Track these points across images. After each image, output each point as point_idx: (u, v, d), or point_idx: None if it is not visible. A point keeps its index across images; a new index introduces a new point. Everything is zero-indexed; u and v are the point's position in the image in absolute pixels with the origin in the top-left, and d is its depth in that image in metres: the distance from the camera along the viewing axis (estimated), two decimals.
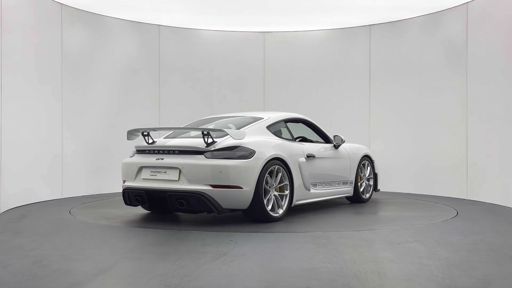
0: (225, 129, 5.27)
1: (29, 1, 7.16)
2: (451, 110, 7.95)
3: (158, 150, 5.44)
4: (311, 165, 6.01)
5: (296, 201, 5.75)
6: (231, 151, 5.14)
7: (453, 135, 7.91)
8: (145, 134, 5.52)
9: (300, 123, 6.68)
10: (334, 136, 6.68)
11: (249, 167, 5.11)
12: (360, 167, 7.09)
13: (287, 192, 5.55)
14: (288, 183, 5.55)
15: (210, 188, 5.03)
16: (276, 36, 9.67)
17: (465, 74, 7.63)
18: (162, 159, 5.33)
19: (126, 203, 5.65)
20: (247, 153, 5.16)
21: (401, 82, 8.79)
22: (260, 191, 5.16)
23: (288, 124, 6.69)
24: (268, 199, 5.33)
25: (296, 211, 6.23)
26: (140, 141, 5.75)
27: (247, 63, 9.67)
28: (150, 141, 5.57)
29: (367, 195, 7.25)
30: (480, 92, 7.37)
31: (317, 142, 6.64)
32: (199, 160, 5.12)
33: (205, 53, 9.53)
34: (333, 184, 6.52)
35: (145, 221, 5.50)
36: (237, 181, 5.06)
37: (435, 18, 8.26)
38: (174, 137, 5.80)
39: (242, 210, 5.28)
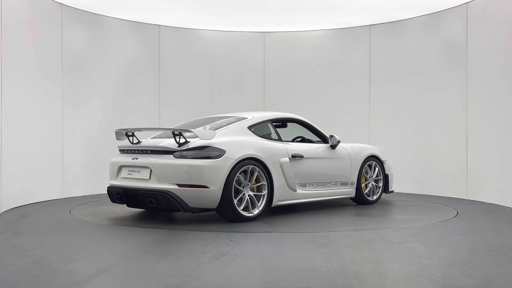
0: (192, 130, 5.31)
1: (29, 1, 7.16)
2: (451, 110, 7.95)
3: (135, 150, 5.59)
4: (298, 165, 5.95)
5: (278, 202, 5.71)
6: (200, 151, 5.20)
7: (453, 135, 7.91)
8: (129, 134, 5.68)
9: (295, 123, 6.60)
10: (330, 136, 6.55)
11: (216, 167, 5.14)
12: (366, 167, 6.92)
13: (264, 192, 5.53)
14: (265, 183, 5.53)
15: (176, 187, 5.11)
16: (276, 36, 9.67)
17: (465, 74, 7.63)
18: (137, 158, 5.49)
19: (112, 201, 5.81)
20: (216, 153, 5.20)
21: (401, 82, 8.80)
22: (229, 191, 5.18)
23: (289, 124, 6.67)
24: (241, 198, 5.34)
25: (295, 212, 6.23)
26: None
27: (247, 63, 9.67)
28: (136, 141, 5.69)
29: (374, 197, 7.02)
30: (480, 92, 7.37)
31: (317, 142, 6.58)
32: (168, 159, 5.23)
33: (205, 53, 9.54)
34: (328, 185, 6.41)
35: (145, 221, 5.50)
36: (203, 180, 5.10)
37: (435, 18, 8.27)
38: (159, 138, 5.85)
39: (215, 210, 5.31)
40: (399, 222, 5.64)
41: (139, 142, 5.69)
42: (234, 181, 5.23)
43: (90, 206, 6.75)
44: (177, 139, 5.24)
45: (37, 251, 4.02)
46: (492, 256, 3.86)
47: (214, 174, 5.12)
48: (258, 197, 5.53)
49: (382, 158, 7.22)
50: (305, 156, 6.09)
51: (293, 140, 6.66)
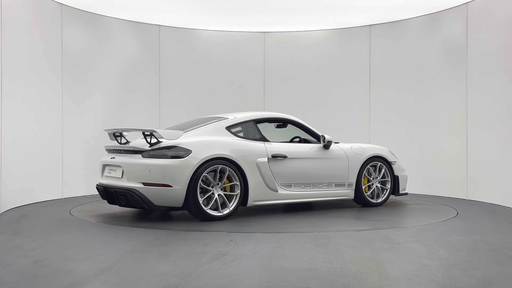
0: (158, 130, 5.38)
1: (29, 1, 7.16)
2: (451, 109, 7.95)
3: (114, 150, 5.81)
4: (280, 165, 5.90)
5: (255, 202, 5.71)
6: (167, 151, 5.33)
7: (453, 135, 7.91)
8: (117, 135, 5.83)
9: (289, 123, 6.52)
10: (322, 136, 6.40)
11: (180, 166, 5.23)
12: (369, 168, 6.72)
13: (237, 191, 5.54)
14: (238, 183, 5.54)
15: (141, 185, 5.26)
16: (276, 36, 9.67)
17: (465, 74, 7.63)
18: (114, 158, 5.70)
19: (102, 198, 5.98)
20: (182, 153, 5.29)
21: (401, 82, 8.79)
22: (194, 190, 5.25)
23: (287, 124, 6.61)
24: (209, 198, 5.41)
25: (295, 212, 6.23)
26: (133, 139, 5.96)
27: (247, 63, 9.67)
28: (124, 141, 5.83)
29: (379, 199, 6.76)
30: (480, 92, 7.37)
31: (316, 142, 6.47)
32: (136, 159, 5.41)
33: (205, 53, 9.54)
34: (320, 185, 6.28)
35: (145, 221, 5.51)
36: (166, 179, 5.21)
37: (435, 18, 8.27)
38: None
39: (184, 209, 5.39)
40: (399, 222, 5.64)
41: (127, 142, 5.82)
42: (201, 181, 5.30)
43: (90, 206, 6.75)
44: (148, 139, 5.40)
45: (37, 251, 4.03)
46: (492, 256, 3.87)
47: (178, 173, 5.22)
48: (232, 197, 5.56)
49: (390, 159, 6.93)
50: (289, 156, 6.02)
51: (291, 140, 6.65)
